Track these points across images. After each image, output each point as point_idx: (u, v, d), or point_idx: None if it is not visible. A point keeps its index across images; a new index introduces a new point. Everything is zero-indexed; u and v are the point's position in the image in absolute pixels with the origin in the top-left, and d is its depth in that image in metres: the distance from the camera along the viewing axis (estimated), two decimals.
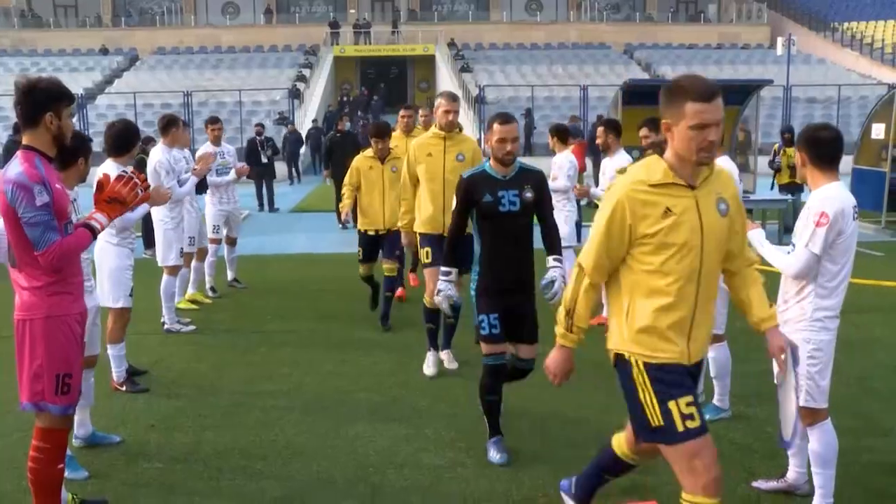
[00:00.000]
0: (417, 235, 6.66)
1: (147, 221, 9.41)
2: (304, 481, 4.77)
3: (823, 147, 4.05)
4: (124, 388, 6.29)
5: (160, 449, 5.23)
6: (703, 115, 3.05)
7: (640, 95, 15.80)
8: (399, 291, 9.10)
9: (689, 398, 3.17)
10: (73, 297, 3.84)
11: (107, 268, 5.98)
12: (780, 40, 34.77)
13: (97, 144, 6.02)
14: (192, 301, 9.19)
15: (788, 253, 4.05)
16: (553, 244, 5.03)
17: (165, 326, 8.12)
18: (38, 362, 3.75)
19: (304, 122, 32.03)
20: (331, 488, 4.68)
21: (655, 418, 3.18)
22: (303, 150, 28.07)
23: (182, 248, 8.25)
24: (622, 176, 3.33)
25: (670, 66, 38.59)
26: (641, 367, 3.21)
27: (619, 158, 7.84)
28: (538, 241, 4.96)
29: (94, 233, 3.82)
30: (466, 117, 30.24)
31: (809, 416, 4.06)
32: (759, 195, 14.38)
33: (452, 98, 6.61)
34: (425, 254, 6.51)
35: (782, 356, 3.63)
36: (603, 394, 6.04)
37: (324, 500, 4.54)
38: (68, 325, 3.80)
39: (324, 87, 38.72)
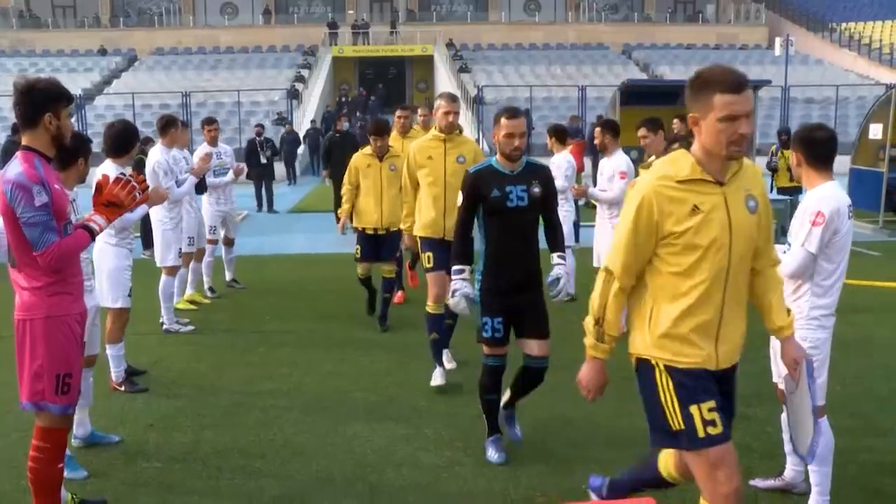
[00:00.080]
0: (418, 239, 6.53)
1: (146, 222, 9.44)
2: (303, 480, 4.78)
3: (819, 147, 4.08)
4: (123, 389, 6.30)
5: (159, 448, 5.24)
6: (732, 106, 2.96)
7: (638, 96, 15.81)
8: (398, 297, 9.11)
9: (712, 404, 3.06)
10: (72, 297, 3.85)
11: (105, 268, 5.99)
12: (778, 40, 34.85)
13: (96, 145, 6.02)
14: (191, 301, 9.20)
15: (784, 252, 4.07)
16: (557, 241, 5.02)
17: (164, 327, 8.13)
18: (39, 362, 3.76)
19: (303, 122, 32.05)
20: (330, 487, 4.69)
21: (676, 422, 3.08)
22: (300, 150, 28.08)
23: (181, 249, 8.26)
24: (647, 171, 3.24)
25: (668, 67, 38.66)
26: (663, 369, 3.11)
27: (617, 159, 7.85)
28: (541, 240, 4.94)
29: (92, 234, 3.83)
30: (465, 118, 30.23)
31: None
32: None
33: (452, 99, 6.51)
34: (427, 258, 6.37)
35: (795, 368, 3.47)
36: (605, 393, 6.06)
37: (323, 499, 4.55)
38: (68, 325, 3.81)
39: (322, 88, 38.72)
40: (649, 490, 3.65)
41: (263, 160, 18.93)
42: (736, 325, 3.17)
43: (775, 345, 4.07)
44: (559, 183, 8.45)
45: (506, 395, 5.12)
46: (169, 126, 8.24)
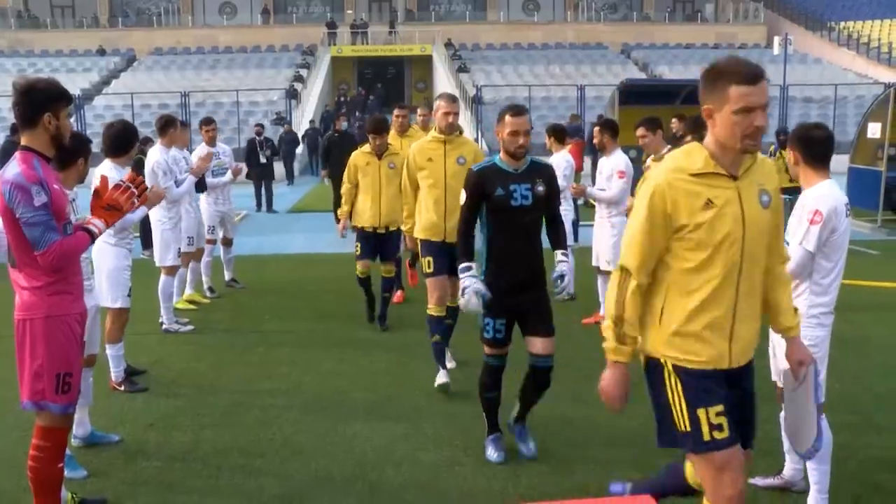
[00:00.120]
0: (419, 241, 6.46)
1: (144, 222, 9.44)
2: (302, 479, 4.79)
3: (816, 146, 4.09)
4: (122, 388, 6.30)
5: (159, 448, 5.25)
6: (748, 98, 2.89)
7: (636, 95, 15.82)
8: (397, 296, 9.11)
9: (720, 408, 3.02)
10: (73, 296, 3.86)
11: (105, 268, 5.99)
12: (776, 40, 34.79)
13: (95, 145, 6.03)
14: (191, 301, 9.21)
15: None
16: (560, 239, 5.02)
17: (164, 326, 8.13)
18: (39, 362, 3.76)
19: (302, 122, 32.04)
20: (329, 486, 4.70)
21: (682, 423, 3.05)
22: (298, 150, 28.07)
23: (180, 249, 8.26)
24: (658, 164, 3.18)
25: (667, 66, 38.67)
26: (672, 369, 3.07)
27: (616, 158, 7.86)
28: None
29: (92, 237, 3.85)
30: (463, 117, 30.24)
31: None
32: None
33: (452, 100, 6.46)
34: (427, 263, 6.30)
35: (801, 370, 3.38)
36: None
37: (322, 498, 4.56)
38: (68, 325, 3.82)
39: (321, 88, 38.72)
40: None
41: (263, 160, 18.94)
42: (750, 322, 3.11)
43: (774, 342, 4.08)
44: (558, 182, 8.47)
45: (515, 410, 5.07)
46: (168, 126, 8.24)
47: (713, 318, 3.03)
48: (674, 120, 9.05)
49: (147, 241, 10.83)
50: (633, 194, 7.78)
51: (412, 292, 9.37)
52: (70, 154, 4.55)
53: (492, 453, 4.99)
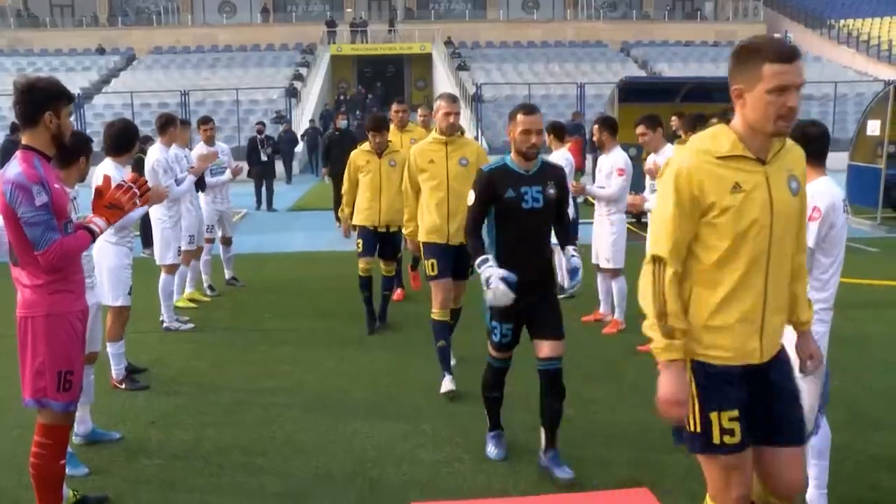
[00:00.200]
0: (421, 244, 6.35)
1: (145, 220, 9.46)
2: (303, 477, 4.80)
3: (813, 143, 4.08)
4: (124, 386, 6.32)
5: (160, 446, 5.26)
6: (783, 76, 2.76)
7: (636, 93, 15.82)
8: (398, 295, 9.11)
9: (734, 413, 2.93)
10: (74, 294, 3.87)
11: (106, 266, 6.00)
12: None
13: (95, 145, 6.04)
14: (191, 300, 9.23)
15: None
16: (568, 235, 4.95)
17: (164, 325, 8.15)
18: (40, 359, 3.78)
19: (302, 121, 32.05)
20: (330, 484, 4.71)
21: (694, 424, 2.97)
22: (298, 149, 28.07)
23: (180, 247, 8.28)
24: (683, 146, 3.05)
25: (667, 64, 38.68)
26: (692, 368, 2.96)
27: (615, 156, 7.87)
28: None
29: (93, 236, 3.86)
30: (464, 116, 30.23)
31: None
32: None
33: (452, 100, 6.37)
34: (430, 266, 6.20)
35: (808, 363, 3.32)
36: (604, 391, 6.09)
37: (323, 496, 4.57)
38: (70, 323, 3.83)
39: (321, 86, 38.72)
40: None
41: (264, 157, 18.94)
42: (781, 314, 3.02)
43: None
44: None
45: (542, 438, 4.82)
46: (168, 125, 8.25)
47: (743, 311, 2.92)
48: (673, 118, 9.07)
49: (147, 240, 10.82)
50: (632, 192, 7.82)
51: (413, 291, 9.37)
52: (71, 153, 4.56)
53: (492, 450, 4.99)
